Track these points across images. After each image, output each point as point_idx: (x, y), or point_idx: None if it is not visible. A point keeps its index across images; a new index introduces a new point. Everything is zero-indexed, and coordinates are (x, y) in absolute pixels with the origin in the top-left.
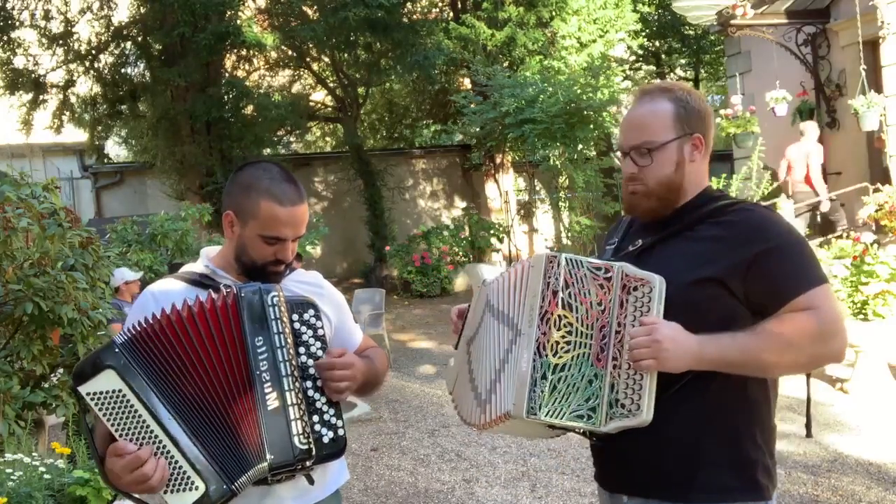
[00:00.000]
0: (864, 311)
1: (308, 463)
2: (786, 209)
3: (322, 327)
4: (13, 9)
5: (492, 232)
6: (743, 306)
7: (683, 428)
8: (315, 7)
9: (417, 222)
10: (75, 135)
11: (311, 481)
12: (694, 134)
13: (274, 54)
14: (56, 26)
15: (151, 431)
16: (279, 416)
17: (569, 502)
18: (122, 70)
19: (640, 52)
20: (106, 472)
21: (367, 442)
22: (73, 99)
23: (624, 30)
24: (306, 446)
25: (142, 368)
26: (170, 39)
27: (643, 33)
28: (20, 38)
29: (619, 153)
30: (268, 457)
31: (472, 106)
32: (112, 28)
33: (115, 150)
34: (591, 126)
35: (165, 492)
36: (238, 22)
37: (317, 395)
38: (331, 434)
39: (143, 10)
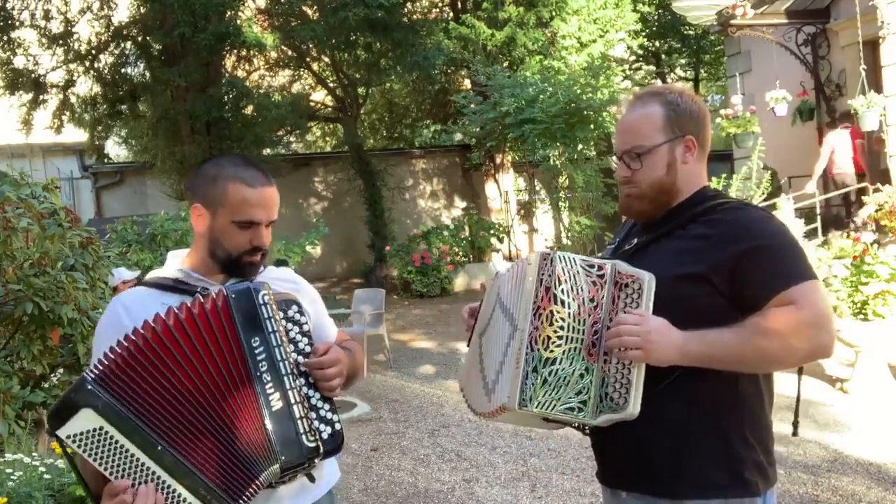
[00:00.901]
0: (864, 311)
1: (316, 461)
2: (785, 209)
3: (307, 322)
4: (13, 9)
5: (492, 232)
6: (730, 304)
7: (673, 423)
8: (315, 7)
9: (417, 222)
10: (75, 135)
11: (313, 479)
12: (686, 136)
13: (274, 54)
14: (56, 26)
15: (143, 465)
16: (284, 416)
17: (569, 502)
18: (122, 70)
19: (640, 52)
20: None
21: (367, 442)
22: (73, 99)
23: (624, 30)
24: (314, 444)
25: (123, 398)
26: (170, 39)
27: (643, 33)
28: (20, 38)
29: (614, 157)
30: (280, 458)
31: (472, 106)
32: (112, 28)
33: (115, 150)
34: (591, 126)
35: None
36: (238, 22)
37: (311, 392)
38: (329, 429)
39: (143, 10)
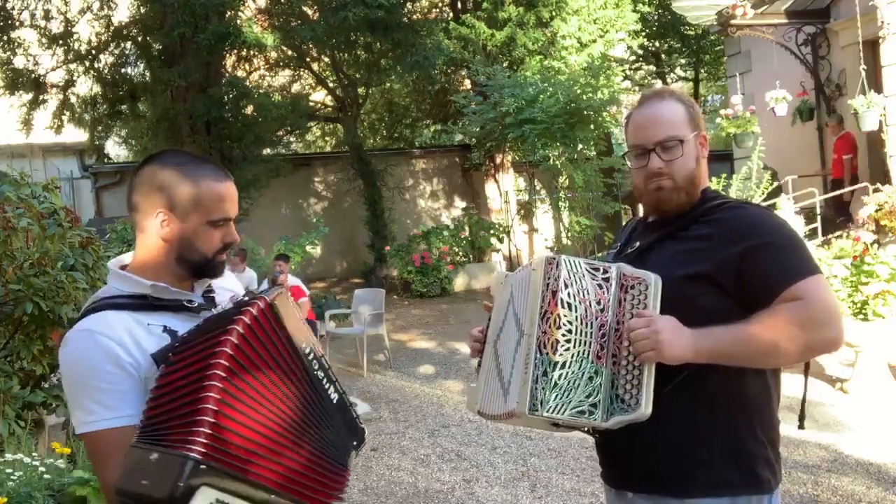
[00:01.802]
0: (864, 311)
1: (361, 447)
2: (785, 209)
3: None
4: (13, 9)
5: (492, 232)
6: (736, 302)
7: (683, 422)
8: (315, 7)
9: (417, 222)
10: (75, 135)
11: None
12: (701, 132)
13: (274, 54)
14: (56, 26)
15: None
16: (342, 405)
17: (569, 502)
18: (122, 70)
19: (640, 52)
20: None
21: (367, 442)
22: (73, 99)
23: (624, 30)
24: (363, 425)
25: (227, 463)
26: (170, 39)
27: (643, 33)
28: (20, 38)
29: (631, 154)
30: (353, 443)
31: (472, 106)
32: (112, 28)
33: (115, 150)
34: (591, 126)
35: None
36: (238, 22)
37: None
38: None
39: (143, 10)
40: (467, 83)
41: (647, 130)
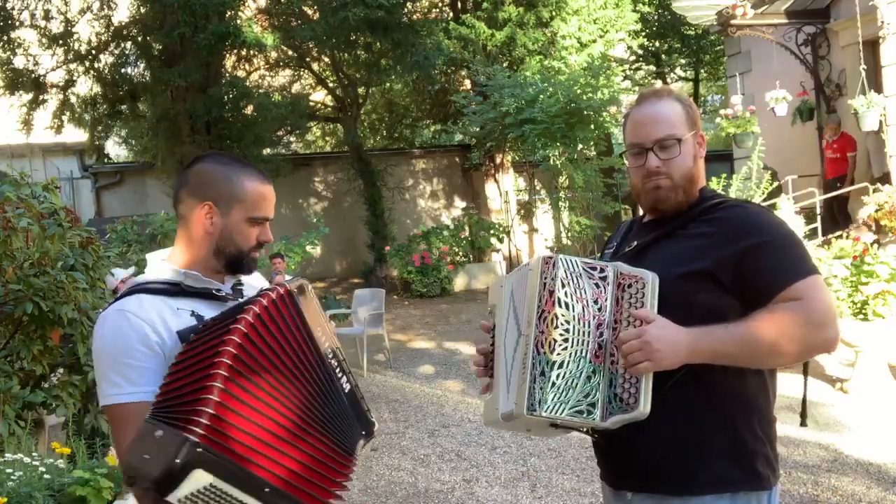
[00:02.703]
0: (864, 311)
1: (370, 438)
2: (785, 209)
3: None
4: (13, 9)
5: (492, 232)
6: (735, 300)
7: (682, 421)
8: (315, 7)
9: (417, 222)
10: (75, 135)
11: None
12: (699, 132)
13: (274, 54)
14: (56, 26)
15: None
16: (354, 396)
17: (569, 502)
18: (122, 70)
19: (640, 52)
20: None
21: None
22: (73, 99)
23: (624, 30)
24: (374, 420)
25: (225, 449)
26: (170, 39)
27: (643, 33)
28: (20, 38)
29: (629, 153)
30: (361, 433)
31: (472, 106)
32: (112, 28)
33: (115, 150)
34: (591, 126)
35: None
36: (238, 22)
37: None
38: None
39: (143, 10)
40: (467, 83)
41: (645, 129)
